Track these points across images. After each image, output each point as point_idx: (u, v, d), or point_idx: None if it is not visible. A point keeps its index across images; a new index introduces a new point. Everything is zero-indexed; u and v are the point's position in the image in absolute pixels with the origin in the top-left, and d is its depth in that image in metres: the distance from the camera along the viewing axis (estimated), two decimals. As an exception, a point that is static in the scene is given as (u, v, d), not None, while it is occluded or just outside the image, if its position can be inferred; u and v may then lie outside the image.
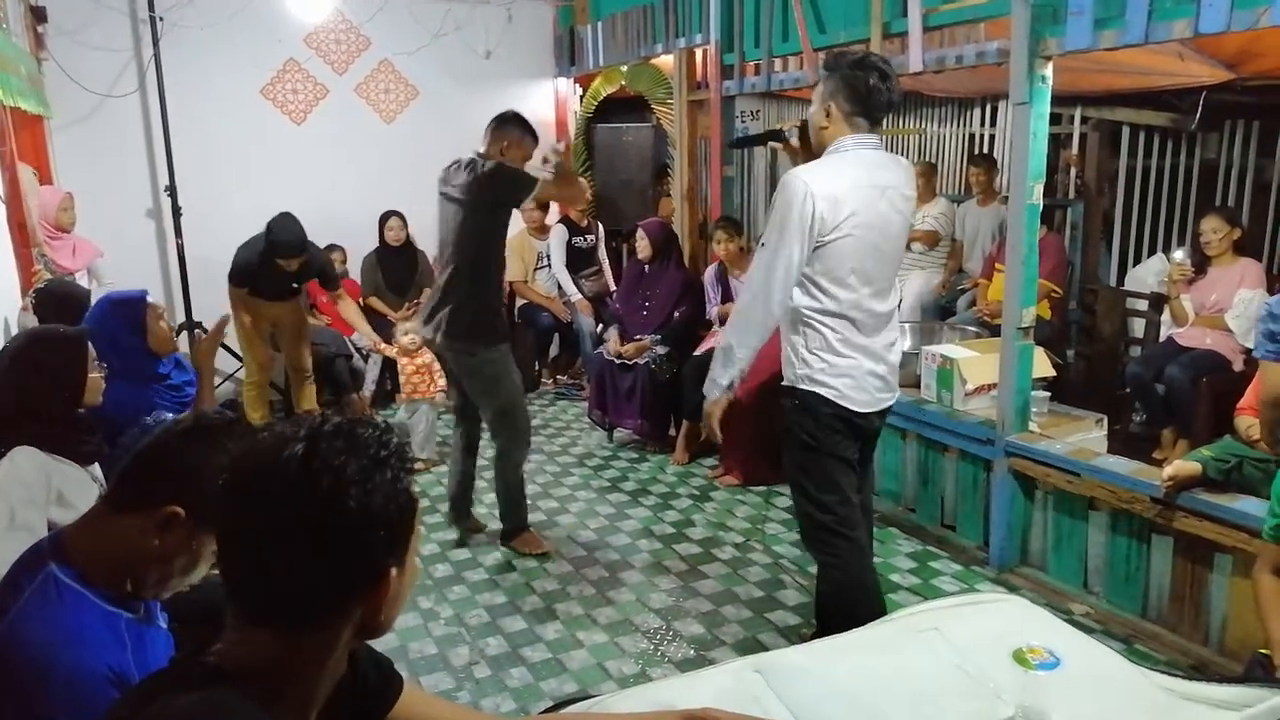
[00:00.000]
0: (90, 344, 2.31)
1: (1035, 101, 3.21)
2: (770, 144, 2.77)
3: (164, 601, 1.55)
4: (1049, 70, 3.21)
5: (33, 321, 3.33)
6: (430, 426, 4.88)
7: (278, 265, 4.53)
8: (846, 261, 2.38)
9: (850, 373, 2.46)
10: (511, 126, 3.57)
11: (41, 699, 1.24)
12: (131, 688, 1.05)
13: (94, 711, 1.25)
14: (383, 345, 5.16)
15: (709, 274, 5.13)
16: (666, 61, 5.76)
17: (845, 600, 2.54)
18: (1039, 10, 3.15)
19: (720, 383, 2.47)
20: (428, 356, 4.99)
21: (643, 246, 5.06)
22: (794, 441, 2.54)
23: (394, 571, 0.98)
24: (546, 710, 1.63)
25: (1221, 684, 1.60)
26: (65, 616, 1.31)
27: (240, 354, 5.09)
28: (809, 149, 2.55)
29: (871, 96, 2.36)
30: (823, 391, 2.45)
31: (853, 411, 2.48)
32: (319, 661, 1.00)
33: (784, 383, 2.54)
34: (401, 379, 4.93)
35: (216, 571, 1.50)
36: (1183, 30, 2.75)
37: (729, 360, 2.45)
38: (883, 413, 2.60)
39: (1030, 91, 3.19)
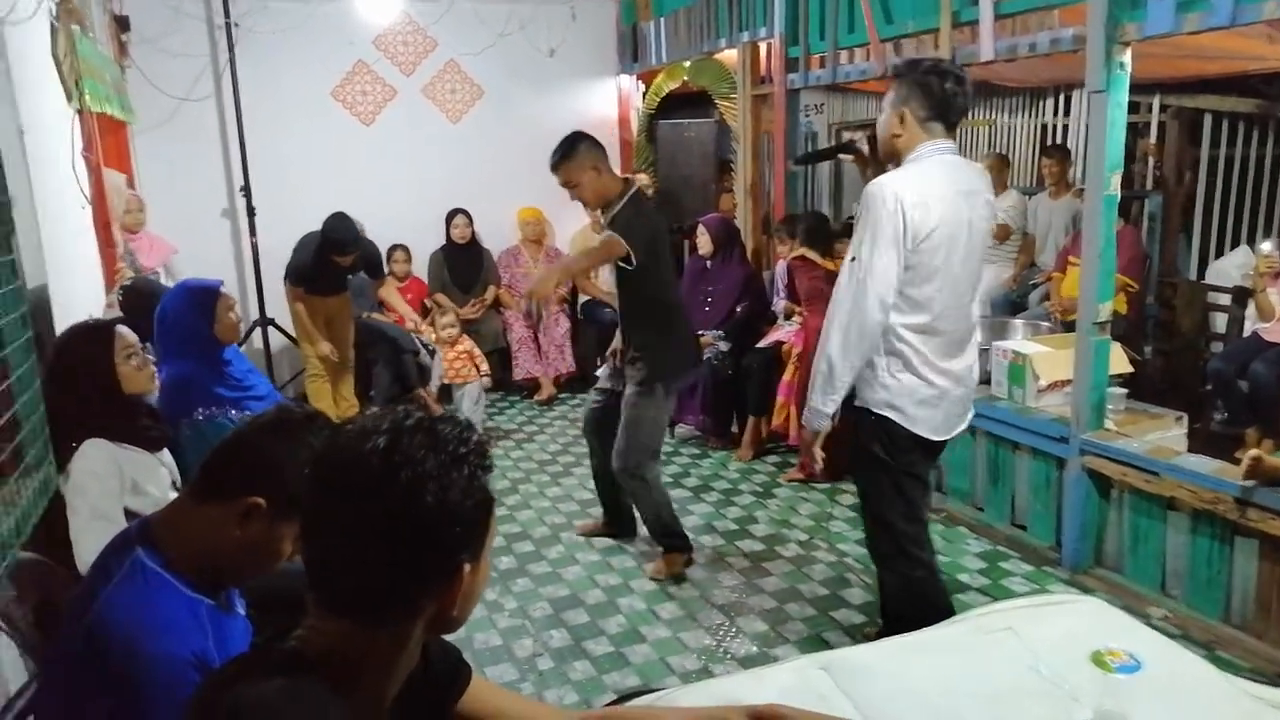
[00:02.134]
0: (128, 332, 2.35)
1: (1113, 89, 3.12)
2: (839, 157, 2.74)
3: (242, 589, 1.60)
4: (1127, 56, 3.11)
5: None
6: (473, 410, 5.04)
7: (333, 261, 4.65)
8: (936, 273, 2.34)
9: (931, 401, 2.42)
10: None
11: (129, 680, 1.29)
12: (215, 669, 1.08)
13: (179, 694, 1.30)
14: (424, 325, 5.32)
15: (779, 267, 5.09)
16: (730, 56, 5.72)
17: (911, 610, 2.46)
18: (1117, -5, 3.06)
19: (824, 411, 2.40)
20: (468, 344, 5.33)
21: (703, 242, 5.05)
22: (867, 457, 2.50)
23: (468, 567, 1.00)
24: (610, 703, 1.64)
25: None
26: (152, 601, 1.36)
27: (300, 347, 5.18)
28: (877, 159, 2.54)
29: (947, 101, 2.33)
30: (901, 421, 2.41)
31: (930, 439, 2.46)
32: (393, 652, 1.02)
33: (858, 402, 2.47)
34: (444, 366, 5.31)
35: (292, 560, 1.55)
36: (1274, 10, 2.63)
37: (830, 385, 2.37)
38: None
39: (1108, 79, 3.10)
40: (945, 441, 2.54)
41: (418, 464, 0.96)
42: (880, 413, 2.42)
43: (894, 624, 2.49)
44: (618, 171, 3.54)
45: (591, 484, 4.46)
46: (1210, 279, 5.60)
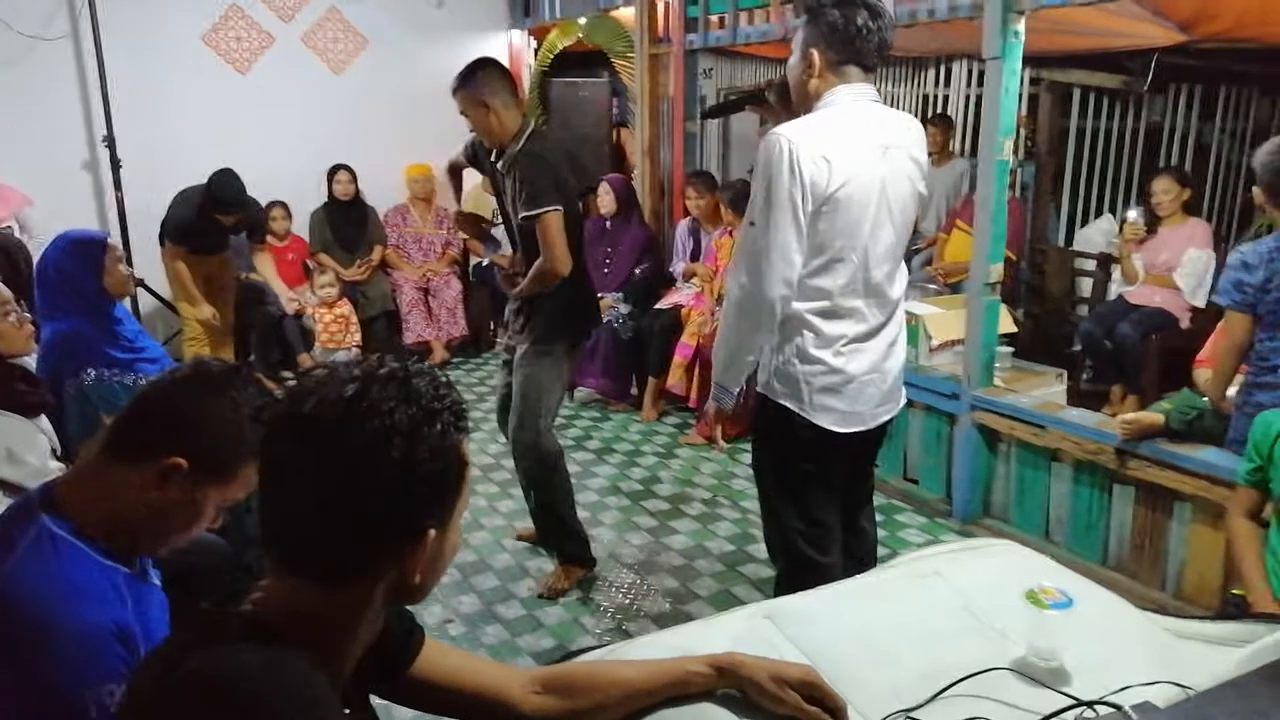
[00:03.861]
0: (3, 289, 2.17)
1: (1008, 57, 3.23)
2: (749, 108, 2.50)
3: (156, 560, 1.49)
4: (1021, 25, 3.23)
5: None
6: None
7: (215, 220, 4.40)
8: (839, 237, 2.02)
9: (833, 389, 2.11)
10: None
11: (44, 656, 1.18)
12: (164, 640, 1.00)
13: (99, 667, 1.21)
14: (295, 303, 5.16)
15: (680, 228, 5.10)
16: (627, 14, 5.65)
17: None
18: (1014, -35, 3.16)
19: (731, 390, 2.16)
20: (346, 308, 5.22)
21: (606, 201, 5.01)
22: (763, 451, 2.27)
23: (433, 533, 0.95)
24: (558, 660, 1.61)
25: (1209, 622, 1.65)
26: (63, 571, 1.25)
27: (178, 310, 4.90)
28: (790, 109, 2.19)
29: (862, 38, 2.00)
30: (799, 410, 2.11)
31: (833, 431, 2.14)
32: (352, 618, 0.97)
33: (758, 387, 2.19)
34: (319, 328, 5.24)
35: (208, 531, 1.45)
36: (1158, -13, 2.78)
37: (737, 361, 2.11)
38: (882, 425, 2.26)
39: (1003, 46, 3.21)
40: (866, 434, 2.22)
41: (385, 415, 0.90)
42: (777, 401, 2.14)
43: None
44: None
45: (493, 449, 4.40)
46: (1077, 246, 5.92)
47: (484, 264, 6.10)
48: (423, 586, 0.99)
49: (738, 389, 2.18)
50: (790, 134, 1.97)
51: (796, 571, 2.24)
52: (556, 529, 3.19)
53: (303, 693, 0.87)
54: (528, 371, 3.07)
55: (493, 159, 3.02)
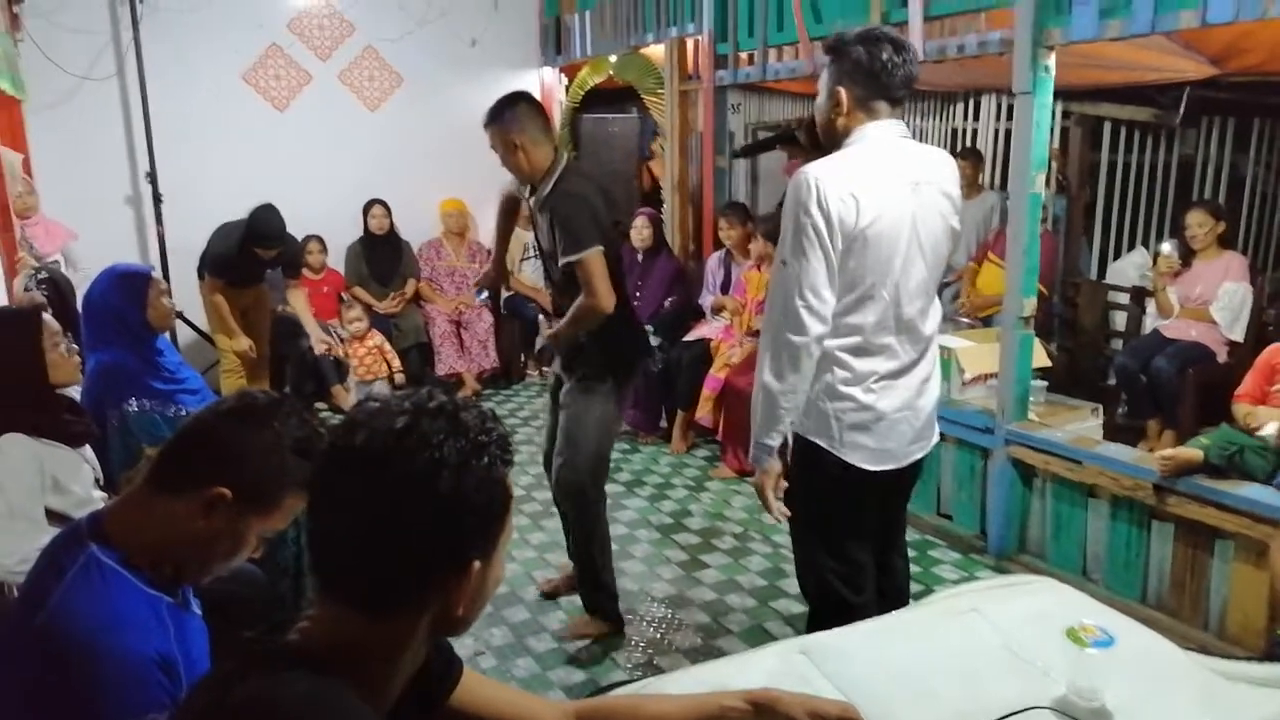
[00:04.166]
0: (51, 320, 2.22)
1: (1038, 91, 3.24)
2: (780, 147, 2.57)
3: (196, 589, 1.51)
4: (1051, 60, 3.24)
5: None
6: None
7: (254, 254, 4.48)
8: (869, 273, 2.00)
9: (863, 425, 2.09)
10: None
11: (89, 683, 1.20)
12: (211, 668, 1.01)
13: (143, 696, 1.23)
14: (325, 344, 5.29)
15: (712, 260, 5.12)
16: (656, 51, 5.73)
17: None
18: (1043, 0, 3.17)
19: (770, 444, 2.06)
20: (378, 339, 5.31)
21: (645, 235, 5.04)
22: (794, 488, 2.19)
23: (478, 564, 0.96)
24: (591, 694, 1.61)
25: (1257, 663, 1.62)
26: (109, 599, 1.27)
27: (216, 342, 4.97)
28: (820, 148, 2.17)
29: (887, 73, 1.99)
30: (829, 447, 2.10)
31: (873, 472, 2.13)
32: (396, 650, 0.98)
33: (795, 429, 2.14)
34: (354, 362, 5.34)
35: (255, 555, 1.47)
36: (1190, 20, 2.77)
37: (772, 411, 2.03)
38: (915, 463, 2.24)
39: (1034, 81, 3.21)
40: (900, 472, 2.19)
41: (435, 448, 0.92)
42: (807, 438, 2.13)
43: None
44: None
45: (524, 480, 4.42)
46: (1110, 279, 5.87)
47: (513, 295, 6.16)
48: (466, 619, 0.99)
49: (778, 442, 2.07)
50: (817, 172, 1.97)
51: (829, 611, 2.20)
52: (586, 577, 3.06)
53: None
54: (572, 410, 2.94)
55: (527, 194, 2.98)
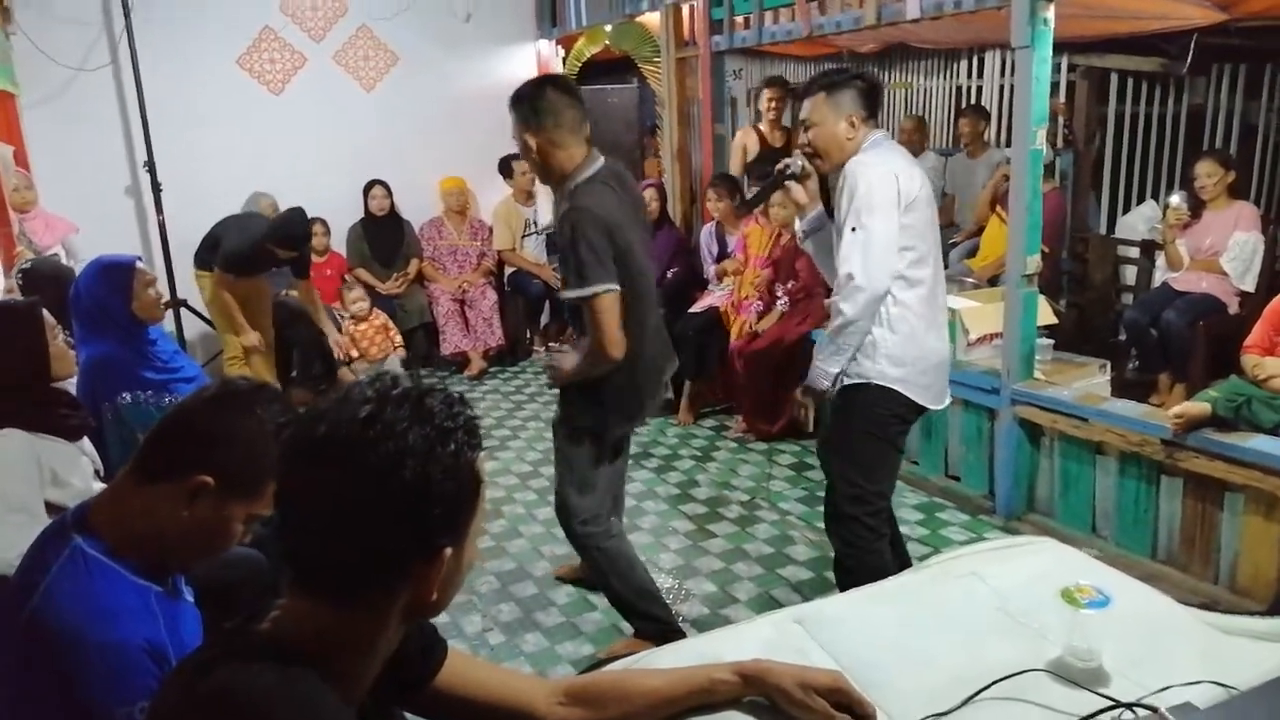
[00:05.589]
0: (46, 313, 2.22)
1: (1037, 45, 3.17)
2: (788, 184, 2.55)
3: (188, 576, 1.52)
4: (1050, 13, 3.16)
5: (19, 302, 3.25)
6: None
7: (270, 252, 4.47)
8: (922, 238, 2.43)
9: (934, 370, 2.50)
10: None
11: (77, 673, 1.21)
12: (184, 658, 1.01)
13: (131, 684, 1.23)
14: (342, 343, 5.27)
15: (705, 233, 5.09)
16: (652, 19, 5.65)
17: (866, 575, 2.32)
18: (1040, -49, 3.10)
19: (831, 372, 2.46)
20: (381, 318, 5.34)
21: (654, 208, 5.00)
22: (854, 429, 2.51)
23: (449, 551, 0.95)
24: (586, 669, 1.61)
25: (1258, 617, 1.60)
26: (95, 590, 1.27)
27: (220, 334, 4.98)
28: (818, 172, 2.58)
29: (877, 100, 2.51)
30: (907, 392, 2.45)
31: (930, 408, 2.53)
32: (370, 637, 0.97)
33: (857, 379, 2.46)
34: (364, 344, 5.34)
35: (242, 542, 1.47)
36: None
37: (843, 345, 2.42)
38: None
39: (1032, 35, 3.15)
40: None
41: (399, 437, 0.90)
42: (887, 386, 2.44)
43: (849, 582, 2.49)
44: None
45: (531, 456, 4.44)
46: (1119, 233, 5.80)
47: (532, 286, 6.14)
48: (439, 603, 0.99)
49: (838, 369, 2.45)
50: (875, 158, 2.41)
51: (856, 546, 2.54)
52: (630, 610, 2.74)
53: (315, 713, 0.87)
54: (559, 445, 2.70)
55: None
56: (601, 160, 2.51)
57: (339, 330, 5.32)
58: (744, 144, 5.27)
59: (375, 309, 5.58)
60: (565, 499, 2.67)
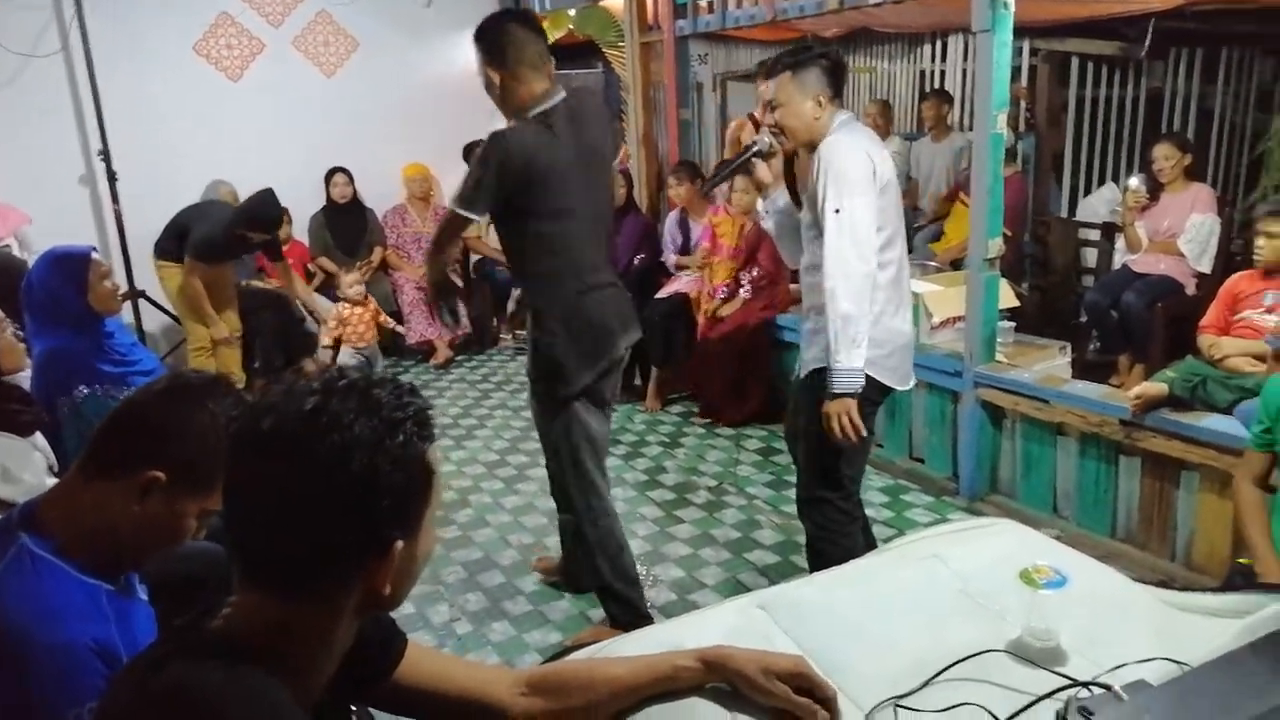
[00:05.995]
0: None
1: (998, 29, 3.18)
2: (754, 161, 2.53)
3: (141, 573, 1.49)
4: (1010, -3, 3.18)
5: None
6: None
7: (241, 237, 4.39)
8: (891, 220, 2.41)
9: (901, 351, 2.49)
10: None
11: (24, 674, 1.18)
12: (136, 655, 0.99)
13: (80, 684, 1.21)
14: (332, 320, 5.17)
15: (670, 220, 5.07)
16: (616, 4, 5.62)
17: (838, 554, 2.39)
18: (1000, -66, 3.11)
19: (856, 366, 2.30)
20: (374, 304, 5.23)
21: (620, 194, 4.97)
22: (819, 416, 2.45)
23: (400, 544, 0.93)
24: (550, 658, 1.60)
25: (1211, 594, 1.63)
26: (42, 589, 1.25)
27: (186, 326, 4.89)
28: (786, 151, 2.54)
29: (842, 79, 2.47)
30: (876, 375, 2.41)
31: (897, 389, 2.54)
32: (323, 631, 0.96)
33: (822, 364, 2.38)
34: (348, 329, 5.17)
35: (196, 538, 1.44)
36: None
37: (855, 338, 2.28)
38: None
39: (993, 19, 3.16)
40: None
41: (346, 429, 0.89)
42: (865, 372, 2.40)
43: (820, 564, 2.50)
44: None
45: (498, 445, 4.42)
46: (1080, 215, 5.86)
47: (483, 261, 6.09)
48: (394, 596, 0.97)
49: (862, 361, 2.31)
50: (848, 139, 2.37)
51: (829, 529, 2.55)
52: (606, 591, 2.75)
53: (265, 710, 0.86)
54: (542, 428, 2.68)
55: None
56: (561, 94, 2.49)
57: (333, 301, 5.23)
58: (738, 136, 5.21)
59: (369, 296, 5.44)
60: (568, 493, 2.71)
